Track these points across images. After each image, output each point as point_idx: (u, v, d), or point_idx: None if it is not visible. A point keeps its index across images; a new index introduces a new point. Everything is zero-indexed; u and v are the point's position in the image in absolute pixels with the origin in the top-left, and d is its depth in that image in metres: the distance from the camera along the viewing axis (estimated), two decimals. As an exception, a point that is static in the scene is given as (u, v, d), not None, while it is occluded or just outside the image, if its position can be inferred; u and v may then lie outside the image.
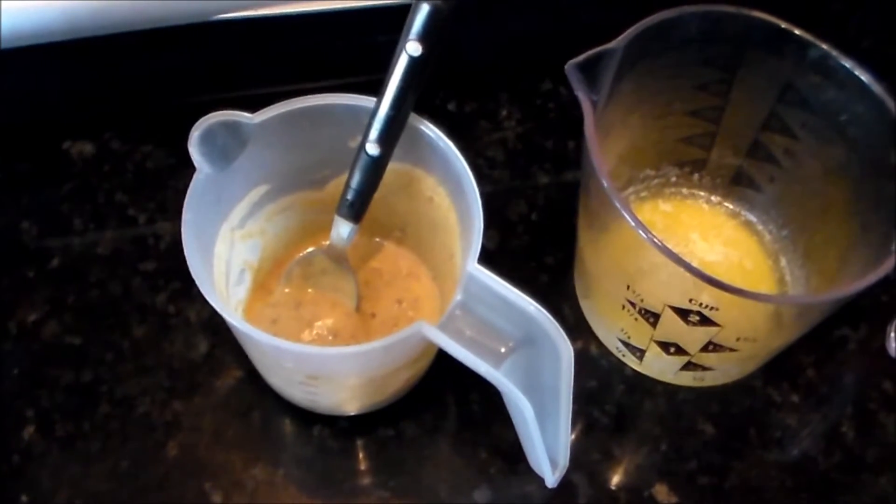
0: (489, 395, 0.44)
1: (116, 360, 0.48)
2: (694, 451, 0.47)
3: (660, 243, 0.38)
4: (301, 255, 0.48)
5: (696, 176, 0.53)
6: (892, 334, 0.50)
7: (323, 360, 0.40)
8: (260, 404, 0.47)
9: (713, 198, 0.53)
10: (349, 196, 0.42)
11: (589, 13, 0.56)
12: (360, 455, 0.47)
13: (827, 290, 0.44)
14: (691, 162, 0.52)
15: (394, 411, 0.47)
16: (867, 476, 0.47)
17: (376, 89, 0.40)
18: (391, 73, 0.39)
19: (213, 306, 0.37)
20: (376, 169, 0.41)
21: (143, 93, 0.58)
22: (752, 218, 0.52)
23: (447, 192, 0.43)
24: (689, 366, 0.46)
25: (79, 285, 0.50)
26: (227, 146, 0.40)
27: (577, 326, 0.50)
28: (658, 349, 0.46)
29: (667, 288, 0.41)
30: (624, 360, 0.49)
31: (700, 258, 0.51)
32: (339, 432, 0.47)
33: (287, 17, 0.53)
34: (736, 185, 0.52)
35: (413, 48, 0.38)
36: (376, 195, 0.43)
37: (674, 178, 0.53)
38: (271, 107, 0.41)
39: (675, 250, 0.38)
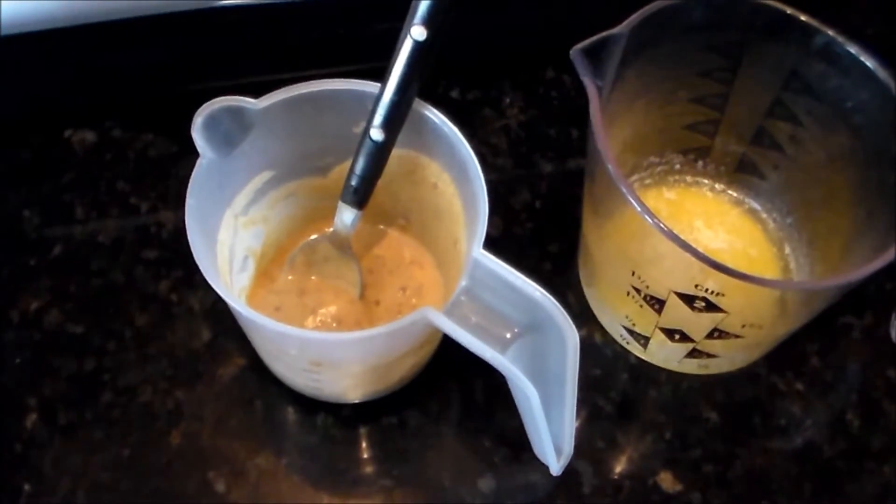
0: (493, 384, 0.44)
1: (119, 349, 0.48)
2: (698, 438, 0.47)
3: (666, 228, 0.38)
4: (304, 242, 0.47)
5: (700, 163, 0.53)
6: (897, 322, 0.50)
7: (327, 346, 0.40)
8: (263, 393, 0.47)
9: (717, 185, 0.53)
10: (353, 182, 0.42)
11: (592, 1, 0.56)
12: (364, 444, 0.46)
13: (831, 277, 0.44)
14: (695, 149, 0.52)
15: (398, 400, 0.47)
16: (872, 464, 0.47)
17: (380, 76, 0.40)
18: (395, 58, 0.39)
19: (216, 294, 0.37)
20: (380, 155, 0.41)
21: (144, 81, 0.58)
22: (757, 206, 0.52)
23: (452, 178, 0.43)
24: (693, 353, 0.46)
25: (81, 274, 0.50)
26: (230, 132, 0.40)
27: (581, 314, 0.50)
28: (663, 336, 0.46)
29: (672, 274, 0.41)
30: (628, 347, 0.49)
31: (704, 246, 0.50)
32: (343, 421, 0.47)
33: (290, 3, 0.53)
34: (740, 172, 0.52)
35: (418, 33, 0.38)
36: (380, 182, 0.42)
37: (678, 166, 0.53)
38: (275, 92, 0.40)
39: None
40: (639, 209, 0.39)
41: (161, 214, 0.52)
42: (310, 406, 0.46)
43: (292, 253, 0.47)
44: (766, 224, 0.52)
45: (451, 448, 0.46)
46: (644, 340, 0.47)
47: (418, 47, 0.38)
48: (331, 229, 0.45)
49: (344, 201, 0.43)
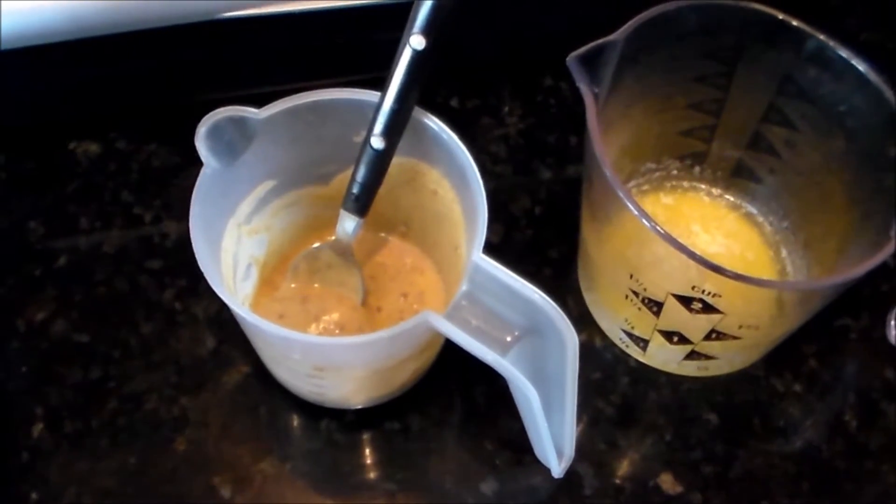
0: (494, 388, 0.44)
1: (124, 357, 0.48)
2: (698, 440, 0.48)
3: (662, 231, 0.39)
4: (307, 250, 0.48)
5: (696, 169, 0.53)
6: (893, 323, 0.51)
7: (330, 351, 0.40)
8: (267, 399, 0.47)
9: (714, 190, 0.53)
10: (354, 190, 0.42)
11: (588, 8, 0.56)
12: (367, 449, 0.47)
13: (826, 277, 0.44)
14: (692, 155, 0.52)
15: (400, 405, 0.47)
16: (870, 464, 0.47)
17: (380, 86, 0.40)
18: (395, 67, 0.39)
19: (220, 302, 0.37)
20: (381, 162, 0.42)
21: (147, 92, 0.58)
22: (753, 210, 0.53)
23: (451, 184, 0.43)
24: (692, 355, 0.47)
25: (85, 284, 0.50)
26: (233, 141, 0.40)
27: (581, 319, 0.51)
28: (662, 339, 0.46)
29: (670, 276, 0.42)
30: (628, 350, 0.50)
31: (702, 250, 0.50)
32: (346, 426, 0.47)
33: (291, 14, 0.53)
34: (736, 177, 0.52)
35: (417, 42, 0.38)
36: (381, 190, 0.43)
37: (675, 171, 0.53)
38: (277, 102, 0.41)
39: (678, 241, 0.39)
40: (636, 212, 0.39)
41: (165, 224, 0.53)
42: (313, 412, 0.47)
43: (295, 261, 0.47)
44: (762, 228, 0.52)
45: (453, 452, 0.47)
46: (643, 343, 0.48)
47: (417, 56, 0.39)
48: (333, 237, 0.45)
49: (345, 209, 0.43)
